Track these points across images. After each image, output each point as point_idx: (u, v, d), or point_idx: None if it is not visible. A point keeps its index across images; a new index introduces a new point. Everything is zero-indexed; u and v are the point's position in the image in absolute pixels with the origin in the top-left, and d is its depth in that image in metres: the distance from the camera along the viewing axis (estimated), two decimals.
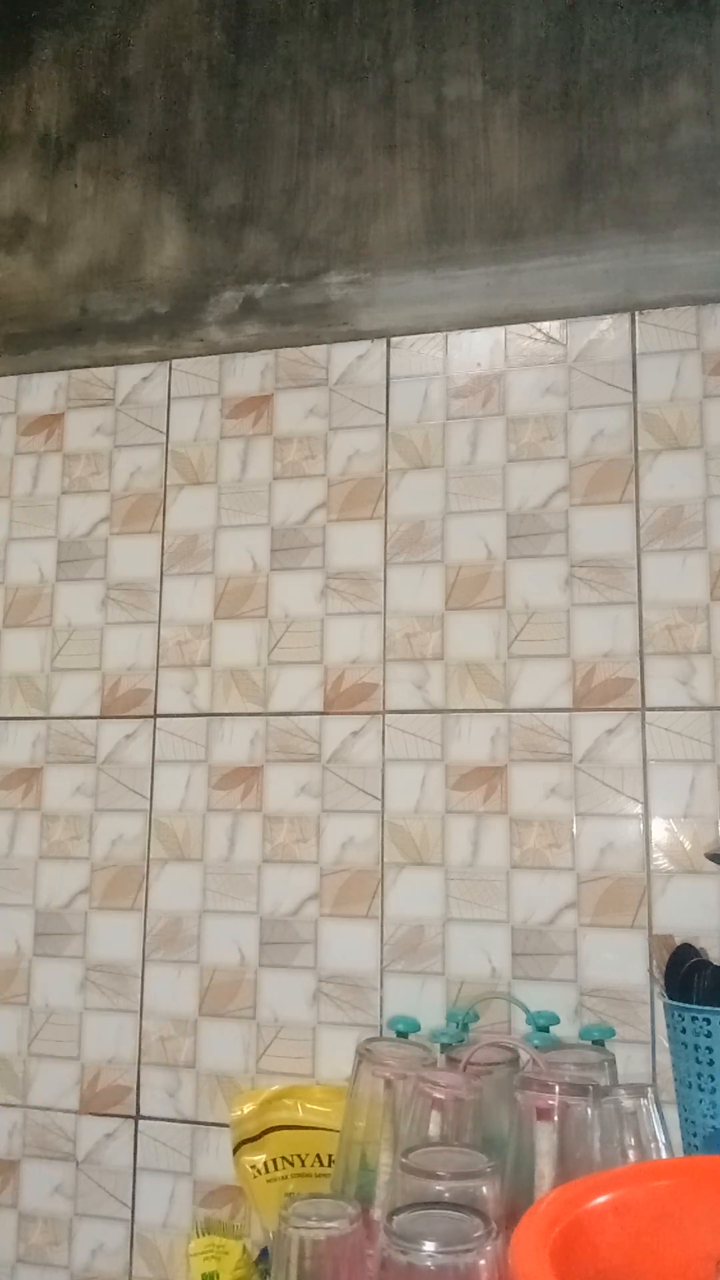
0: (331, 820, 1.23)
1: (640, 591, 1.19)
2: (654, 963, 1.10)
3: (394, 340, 1.30)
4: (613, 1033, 1.11)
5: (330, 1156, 1.11)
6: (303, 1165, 1.13)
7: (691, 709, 1.16)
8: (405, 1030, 1.12)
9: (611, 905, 1.14)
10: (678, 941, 1.11)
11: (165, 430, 1.37)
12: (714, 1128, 0.98)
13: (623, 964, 1.14)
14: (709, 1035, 0.99)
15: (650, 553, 1.19)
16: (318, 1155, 1.13)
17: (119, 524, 1.37)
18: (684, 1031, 1.01)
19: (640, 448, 1.21)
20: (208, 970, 1.24)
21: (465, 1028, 1.13)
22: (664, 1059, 1.12)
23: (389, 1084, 1.02)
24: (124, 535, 1.36)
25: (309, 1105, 1.15)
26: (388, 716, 1.23)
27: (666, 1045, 1.08)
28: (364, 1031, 1.17)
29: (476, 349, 1.28)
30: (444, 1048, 1.09)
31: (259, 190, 1.38)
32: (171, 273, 1.40)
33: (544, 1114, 0.93)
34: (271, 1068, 1.20)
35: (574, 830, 1.16)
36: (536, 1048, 1.05)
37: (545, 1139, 0.91)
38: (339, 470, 1.30)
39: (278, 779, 1.26)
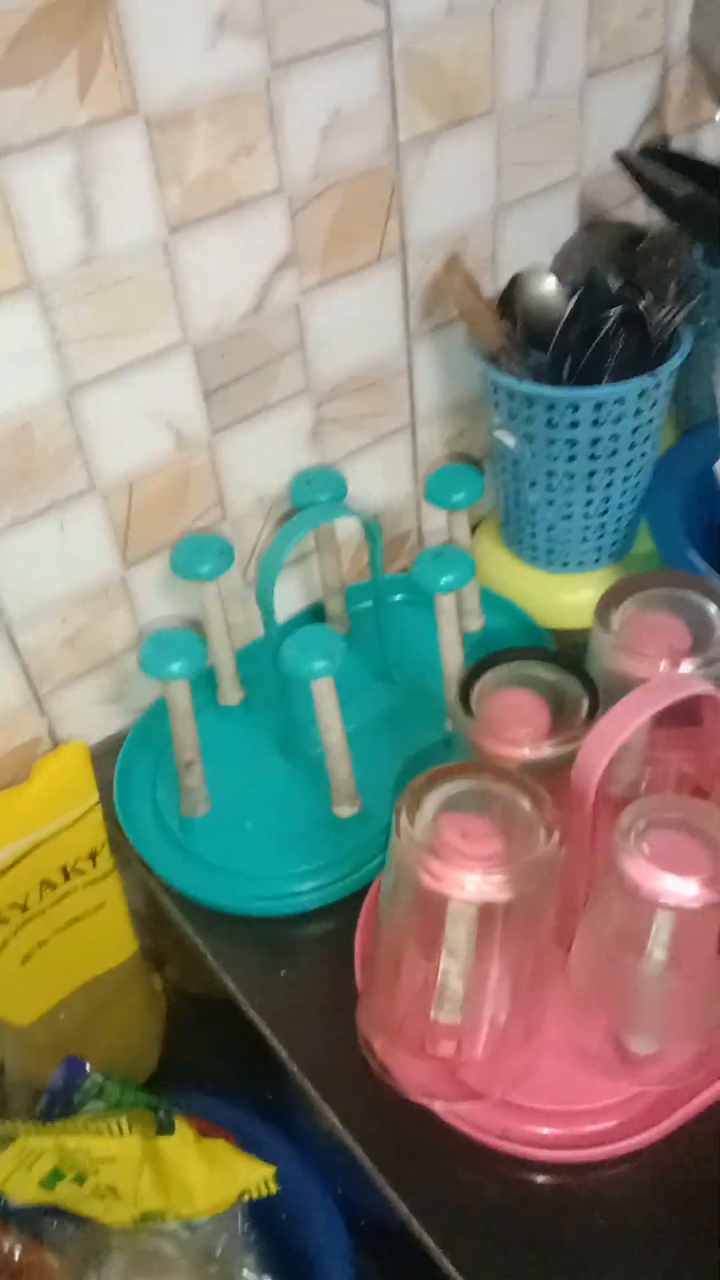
0: None
1: None
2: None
3: None
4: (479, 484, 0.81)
5: (88, 857, 0.76)
6: (34, 901, 0.77)
7: None
8: None
9: (348, 232, 0.73)
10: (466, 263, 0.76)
11: None
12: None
13: (373, 323, 0.78)
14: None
15: None
16: (61, 869, 0.76)
17: None
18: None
19: None
20: None
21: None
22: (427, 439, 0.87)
23: None
24: None
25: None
26: None
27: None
28: None
29: None
30: None
31: None
32: None
33: None
34: None
35: (268, 108, 0.64)
36: None
37: None
38: None
39: None
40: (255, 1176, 0.76)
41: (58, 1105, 0.78)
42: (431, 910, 0.53)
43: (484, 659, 0.64)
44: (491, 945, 0.54)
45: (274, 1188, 0.77)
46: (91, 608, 0.75)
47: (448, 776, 0.55)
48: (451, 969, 0.55)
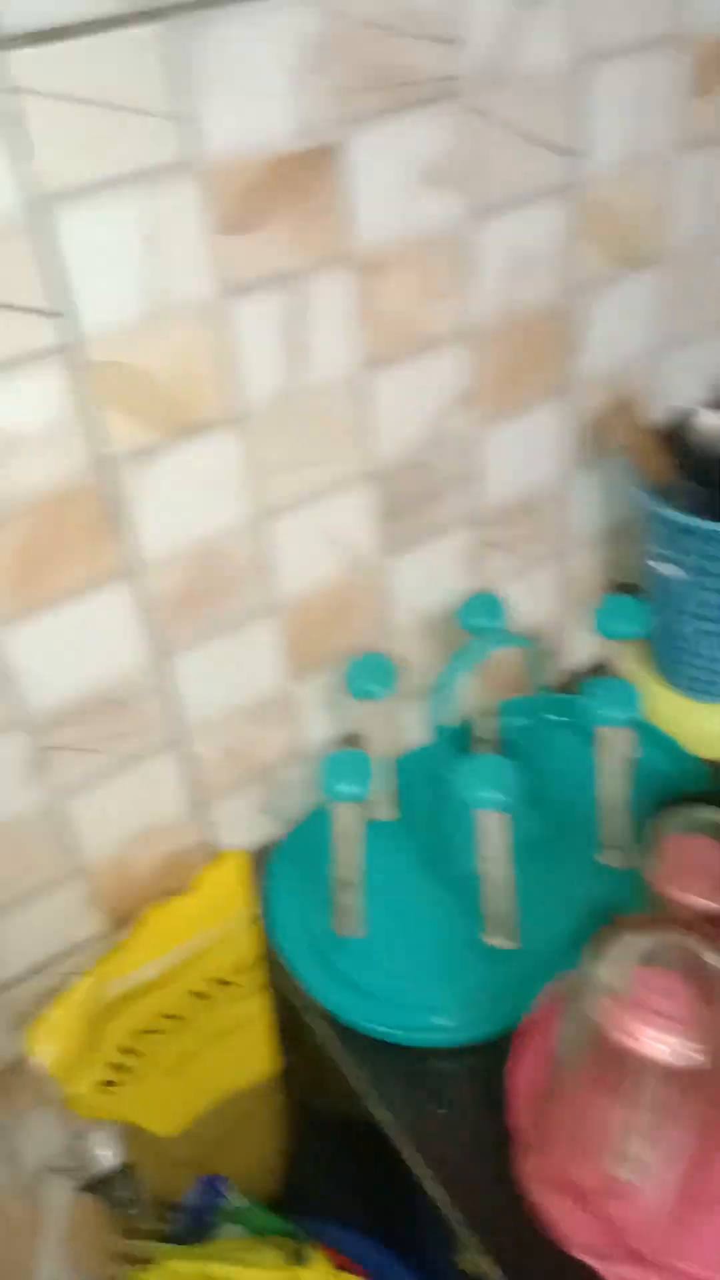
0: None
1: None
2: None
3: None
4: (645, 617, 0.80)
5: (240, 970, 0.78)
6: (185, 1011, 0.78)
7: None
8: None
9: (521, 368, 0.75)
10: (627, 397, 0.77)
11: None
12: None
13: (538, 453, 0.80)
14: None
15: None
16: (214, 980, 0.78)
17: None
18: None
19: None
20: None
21: None
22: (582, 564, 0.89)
23: None
24: None
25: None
26: None
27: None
28: None
29: None
30: None
31: None
32: None
33: None
34: None
35: (458, 253, 0.67)
36: None
37: None
38: None
39: None
40: None
41: (192, 1223, 0.77)
42: (618, 1065, 0.52)
43: (664, 804, 0.63)
44: (676, 1103, 0.53)
45: None
46: (256, 720, 0.77)
47: (638, 928, 0.54)
48: (635, 1126, 0.53)
